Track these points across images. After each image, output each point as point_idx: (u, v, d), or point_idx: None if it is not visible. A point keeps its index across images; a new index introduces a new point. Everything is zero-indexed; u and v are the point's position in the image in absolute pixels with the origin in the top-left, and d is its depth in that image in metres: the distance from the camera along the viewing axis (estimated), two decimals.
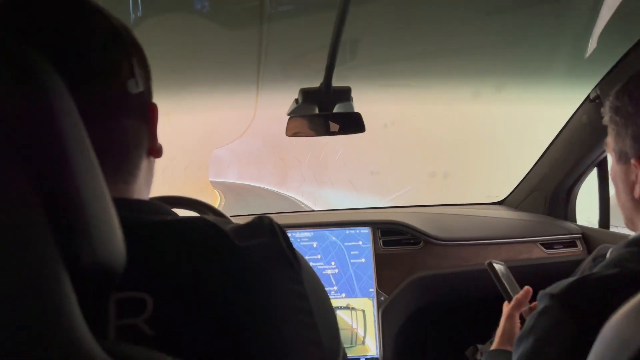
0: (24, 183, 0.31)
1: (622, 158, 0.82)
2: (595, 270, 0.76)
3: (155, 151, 0.61)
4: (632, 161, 0.78)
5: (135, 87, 0.54)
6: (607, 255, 0.79)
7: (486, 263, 1.27)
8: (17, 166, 0.31)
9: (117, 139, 0.54)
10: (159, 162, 0.66)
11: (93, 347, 0.31)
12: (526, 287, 1.15)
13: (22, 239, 0.30)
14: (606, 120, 0.86)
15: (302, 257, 0.59)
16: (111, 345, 0.35)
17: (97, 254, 0.34)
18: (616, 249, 0.77)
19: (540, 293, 0.76)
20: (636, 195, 0.79)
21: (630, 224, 0.86)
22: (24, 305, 0.29)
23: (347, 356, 0.68)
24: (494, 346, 1.09)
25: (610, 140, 0.86)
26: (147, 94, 0.59)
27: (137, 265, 0.45)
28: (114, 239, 0.36)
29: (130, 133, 0.55)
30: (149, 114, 0.58)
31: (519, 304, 1.12)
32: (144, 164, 0.59)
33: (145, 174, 0.60)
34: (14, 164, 0.31)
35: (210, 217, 0.53)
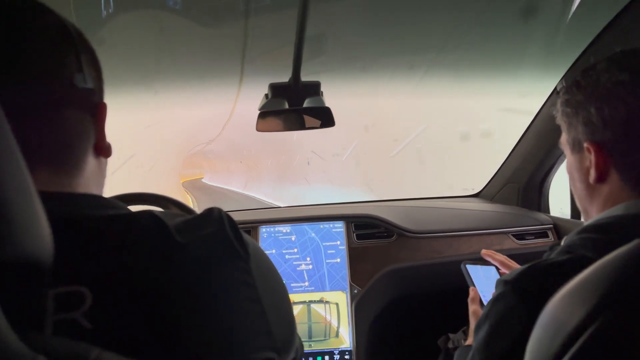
0: None
1: (575, 147, 0.83)
2: (550, 256, 0.77)
3: (104, 149, 0.61)
4: (585, 145, 0.79)
5: (82, 82, 0.55)
6: (562, 243, 0.80)
7: (461, 265, 1.29)
8: None
9: (60, 131, 0.54)
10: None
11: (11, 341, 0.31)
12: (472, 288, 1.19)
13: None
14: (558, 118, 0.87)
15: (254, 246, 0.59)
16: (36, 338, 0.35)
17: (20, 250, 0.34)
18: (569, 236, 0.79)
19: (497, 280, 0.77)
20: (591, 179, 0.80)
21: (585, 214, 0.88)
22: None
23: (302, 345, 0.68)
24: (467, 342, 1.11)
25: (563, 135, 0.88)
26: (98, 92, 0.60)
27: (76, 259, 0.45)
28: (39, 233, 0.36)
29: (73, 126, 0.55)
30: (97, 112, 0.59)
31: (473, 299, 1.16)
32: (91, 161, 0.59)
33: (94, 172, 0.60)
34: None
35: (156, 211, 0.53)
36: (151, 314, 0.45)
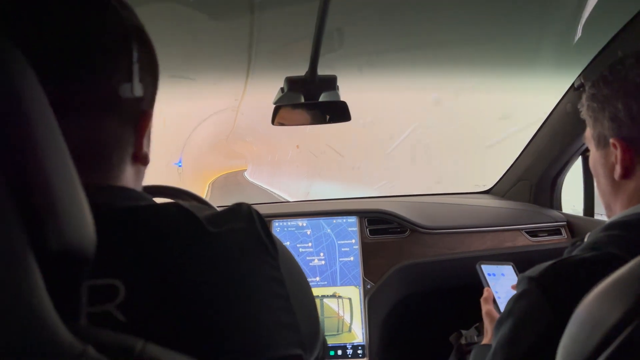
0: None
1: (601, 142, 0.82)
2: (573, 253, 0.77)
3: (141, 158, 0.58)
4: (611, 141, 0.78)
5: (128, 92, 0.53)
6: (585, 239, 0.80)
7: (477, 265, 1.28)
8: None
9: (99, 138, 0.52)
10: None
11: (61, 331, 0.31)
12: (486, 288, 1.19)
13: None
14: (584, 112, 0.87)
15: (281, 244, 0.59)
16: (82, 329, 0.35)
17: (66, 240, 0.34)
18: (594, 233, 0.79)
19: (520, 276, 0.77)
20: (616, 175, 0.79)
21: (608, 210, 0.87)
22: None
23: (327, 341, 0.68)
24: (484, 341, 1.11)
25: (588, 130, 0.87)
26: (147, 100, 0.57)
27: (109, 251, 0.45)
28: (83, 225, 0.36)
29: (113, 135, 0.54)
30: (141, 121, 0.57)
31: (486, 299, 1.15)
32: (129, 169, 0.57)
33: (131, 179, 0.58)
34: None
35: (185, 203, 0.53)
36: (184, 304, 0.45)
